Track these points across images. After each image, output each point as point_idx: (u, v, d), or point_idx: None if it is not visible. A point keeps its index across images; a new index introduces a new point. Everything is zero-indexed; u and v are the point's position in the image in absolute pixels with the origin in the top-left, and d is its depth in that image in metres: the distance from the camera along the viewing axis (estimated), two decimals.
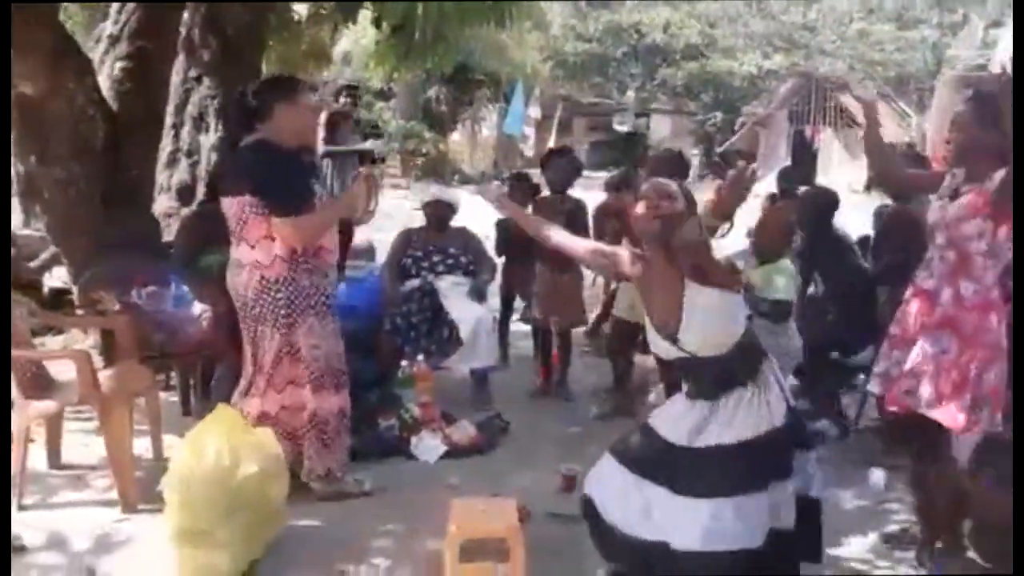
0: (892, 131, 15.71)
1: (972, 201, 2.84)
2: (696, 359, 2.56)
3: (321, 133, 7.01)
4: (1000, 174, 2.76)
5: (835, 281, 4.53)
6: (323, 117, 7.21)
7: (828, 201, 4.72)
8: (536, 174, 5.47)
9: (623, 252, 2.79)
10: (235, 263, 3.35)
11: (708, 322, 2.51)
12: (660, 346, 2.66)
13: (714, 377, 2.56)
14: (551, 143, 20.47)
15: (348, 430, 3.54)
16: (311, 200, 3.30)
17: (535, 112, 20.23)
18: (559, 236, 2.97)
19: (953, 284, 2.87)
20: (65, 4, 4.66)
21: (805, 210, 4.65)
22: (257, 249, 3.26)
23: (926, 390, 2.85)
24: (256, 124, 3.30)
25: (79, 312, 4.64)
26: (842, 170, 17.03)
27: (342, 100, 7.46)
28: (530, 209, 5.09)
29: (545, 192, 5.12)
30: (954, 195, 2.94)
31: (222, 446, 2.83)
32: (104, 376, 3.62)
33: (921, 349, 2.90)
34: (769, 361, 2.62)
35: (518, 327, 5.66)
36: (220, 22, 4.77)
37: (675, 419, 2.63)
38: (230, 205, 3.29)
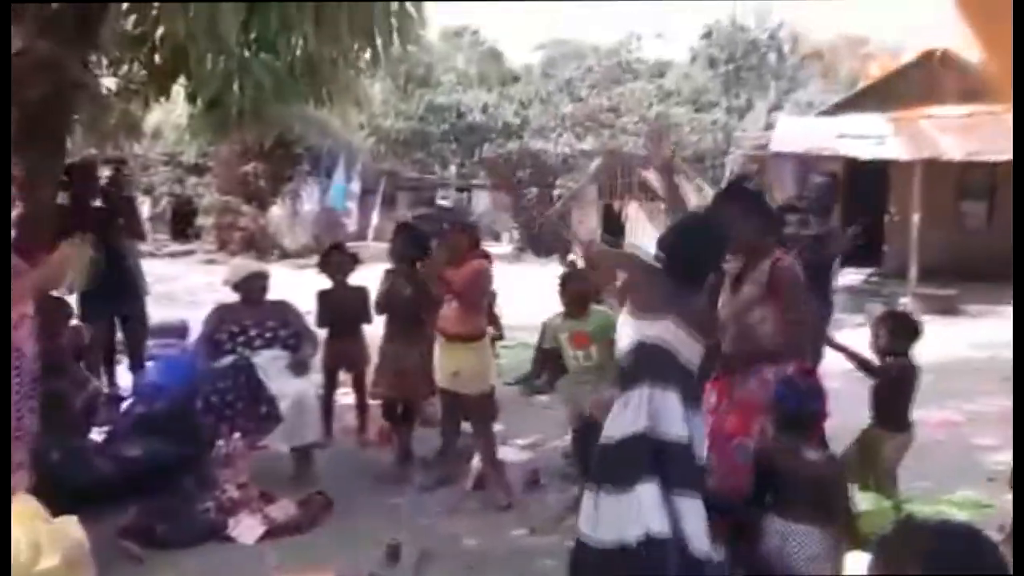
0: (692, 202, 16.98)
1: (749, 294, 3.22)
2: None
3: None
4: (765, 265, 3.16)
5: None
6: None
7: None
8: (356, 246, 5.53)
9: None
10: None
11: None
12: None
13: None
14: (375, 217, 20.61)
15: None
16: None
17: (356, 187, 20.31)
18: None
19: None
20: None
21: None
22: None
23: None
24: None
25: None
26: (647, 239, 18.20)
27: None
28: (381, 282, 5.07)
29: (389, 265, 5.10)
30: (735, 284, 3.30)
31: (19, 539, 2.66)
32: None
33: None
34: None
35: (343, 400, 5.63)
36: (22, 94, 4.54)
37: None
38: None
